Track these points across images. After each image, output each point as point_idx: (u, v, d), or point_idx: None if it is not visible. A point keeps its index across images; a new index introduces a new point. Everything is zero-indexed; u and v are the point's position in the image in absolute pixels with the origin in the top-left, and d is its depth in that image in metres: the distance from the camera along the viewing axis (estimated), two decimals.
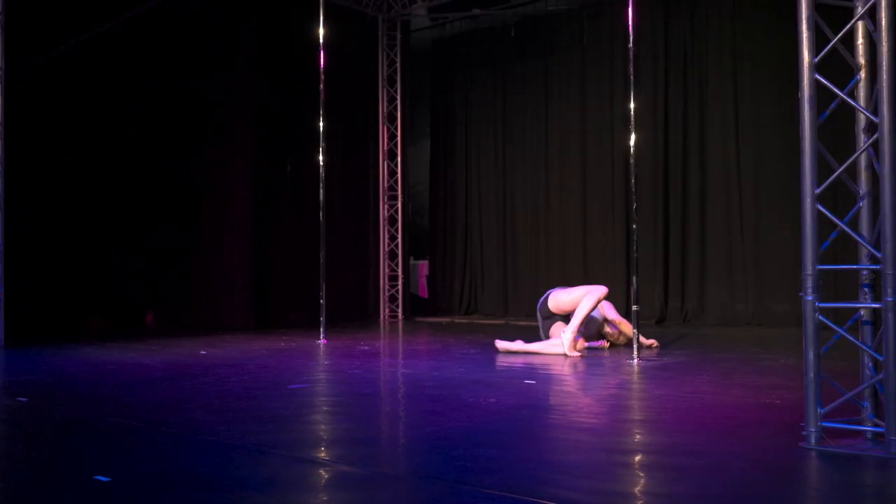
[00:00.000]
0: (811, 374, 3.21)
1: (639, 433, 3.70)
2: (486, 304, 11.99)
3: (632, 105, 6.47)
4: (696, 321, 10.10)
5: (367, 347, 7.70)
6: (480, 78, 12.01)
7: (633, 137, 6.46)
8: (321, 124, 8.31)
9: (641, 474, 3.00)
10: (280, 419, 4.06)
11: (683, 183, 10.27)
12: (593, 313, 7.19)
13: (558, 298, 7.04)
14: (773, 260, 9.56)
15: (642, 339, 6.91)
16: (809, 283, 3.21)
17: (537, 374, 5.64)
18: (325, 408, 4.48)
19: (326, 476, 3.00)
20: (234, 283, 9.93)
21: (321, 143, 8.30)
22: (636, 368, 5.89)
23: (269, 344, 7.87)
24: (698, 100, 10.19)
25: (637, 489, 2.80)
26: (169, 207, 10.00)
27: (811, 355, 3.21)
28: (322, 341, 7.98)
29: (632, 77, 6.45)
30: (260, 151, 10.14)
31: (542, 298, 7.25)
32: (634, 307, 6.39)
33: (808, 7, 3.22)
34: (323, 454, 3.34)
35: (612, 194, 10.81)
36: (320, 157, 8.32)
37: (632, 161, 6.50)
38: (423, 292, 12.93)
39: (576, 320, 6.65)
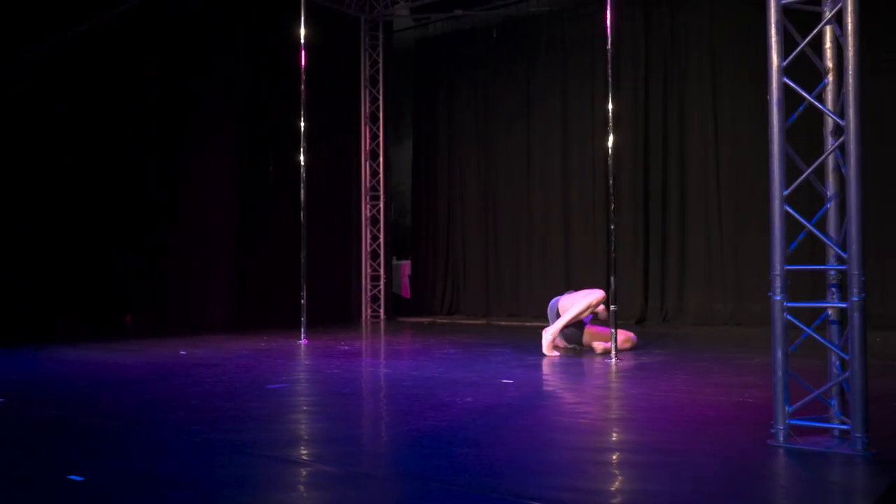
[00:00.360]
0: (779, 373, 3.27)
1: (612, 432, 3.75)
2: (468, 304, 12.03)
3: (610, 106, 6.52)
4: (675, 321, 10.17)
5: (347, 347, 7.72)
6: (463, 78, 12.05)
7: (611, 139, 6.51)
8: (302, 124, 8.31)
9: (614, 472, 3.04)
10: (258, 419, 4.07)
11: (663, 183, 10.34)
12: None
13: (564, 303, 7.03)
14: (751, 260, 9.65)
15: (599, 345, 6.96)
16: (778, 282, 3.27)
17: (515, 374, 5.68)
18: (304, 407, 4.51)
19: (303, 475, 3.03)
20: (216, 282, 9.93)
21: (303, 143, 8.31)
22: (613, 368, 5.94)
23: (249, 344, 7.88)
24: (678, 102, 10.27)
25: (610, 486, 2.84)
26: (150, 207, 9.99)
27: (779, 354, 3.26)
28: (303, 341, 7.99)
29: (609, 79, 6.51)
30: (242, 151, 10.14)
31: (552, 303, 7.20)
32: (613, 307, 6.45)
33: (777, 11, 3.27)
34: (300, 453, 3.37)
35: (594, 195, 10.88)
36: (302, 157, 8.32)
37: (610, 162, 6.56)
38: (406, 292, 12.96)
39: (560, 321, 6.71)
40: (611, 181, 6.53)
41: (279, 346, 7.76)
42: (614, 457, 3.26)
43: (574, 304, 6.80)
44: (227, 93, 10.02)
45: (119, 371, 6.04)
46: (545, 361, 6.38)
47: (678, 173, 10.28)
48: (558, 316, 6.91)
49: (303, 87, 8.31)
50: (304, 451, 3.41)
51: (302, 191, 8.29)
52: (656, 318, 10.28)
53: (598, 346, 6.97)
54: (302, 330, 8.14)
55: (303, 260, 8.29)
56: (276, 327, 9.53)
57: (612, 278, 6.50)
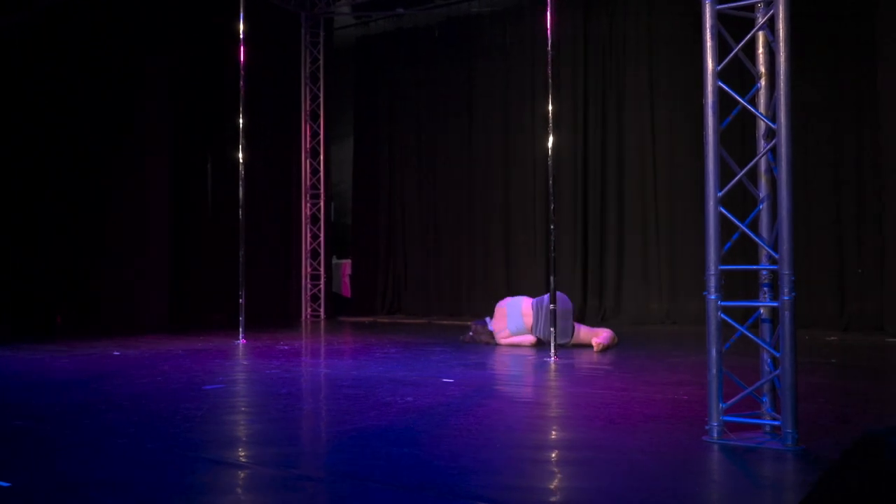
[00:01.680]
0: (713, 371, 3.33)
1: (550, 430, 3.78)
2: (409, 303, 12.00)
3: (550, 107, 6.58)
4: (613, 320, 10.30)
5: (286, 347, 7.63)
6: (404, 77, 12.02)
7: (551, 139, 6.57)
8: (241, 121, 8.20)
9: (552, 470, 3.07)
10: (193, 420, 4.00)
11: (602, 184, 10.47)
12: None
13: (526, 308, 7.63)
14: (687, 259, 9.83)
15: (596, 341, 7.22)
16: (712, 282, 3.34)
17: (455, 374, 5.69)
18: (241, 408, 4.44)
19: (241, 477, 2.98)
20: (152, 282, 9.72)
21: (241, 141, 8.19)
22: (553, 367, 5.99)
23: (185, 344, 7.73)
24: (616, 104, 10.41)
25: (548, 484, 2.87)
26: (83, 205, 9.73)
27: (714, 352, 3.33)
28: (241, 341, 7.87)
29: (550, 80, 6.56)
30: (179, 148, 9.95)
31: (515, 301, 7.71)
32: (552, 306, 6.51)
33: (712, 16, 3.34)
34: (237, 455, 3.32)
35: (535, 195, 10.96)
36: (241, 155, 8.21)
37: (550, 163, 6.61)
38: (346, 292, 12.88)
39: (527, 339, 7.48)
40: (551, 181, 6.59)
41: (216, 346, 7.63)
42: (552, 454, 3.29)
43: (584, 332, 7.42)
44: (164, 89, 9.82)
45: (48, 373, 5.87)
46: (487, 361, 6.42)
47: (616, 174, 10.42)
48: (521, 317, 7.46)
49: (241, 83, 8.19)
50: (242, 453, 3.36)
51: (241, 189, 8.17)
52: (594, 318, 10.40)
53: (596, 343, 7.19)
54: (240, 330, 8.01)
55: (241, 259, 8.17)
56: (213, 327, 9.37)
57: (551, 278, 6.55)
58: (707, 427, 3.36)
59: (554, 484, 2.86)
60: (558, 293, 7.52)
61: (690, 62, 9.82)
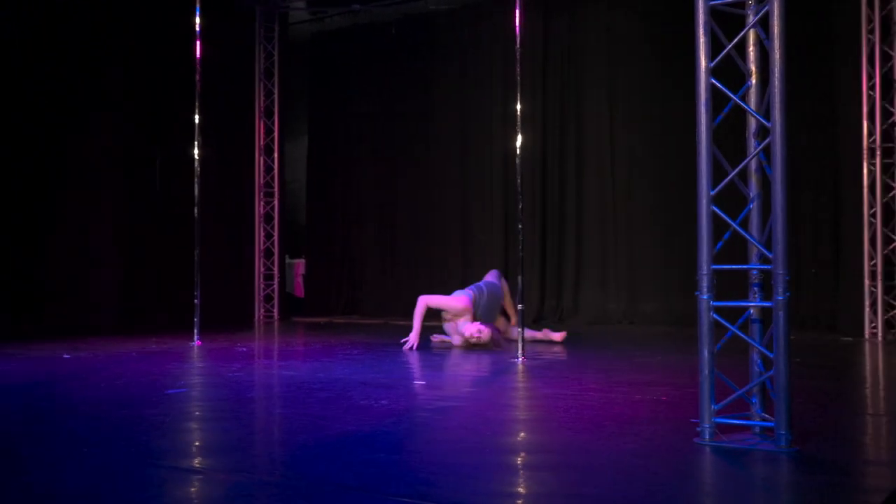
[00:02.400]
0: (706, 372, 3.29)
1: (537, 433, 3.69)
2: (365, 304, 11.84)
3: (518, 106, 6.51)
4: (570, 320, 10.32)
5: (244, 349, 7.43)
6: (361, 75, 11.85)
7: (519, 138, 6.51)
8: (197, 118, 7.96)
9: (549, 475, 2.97)
10: (161, 427, 3.82)
11: (560, 184, 10.46)
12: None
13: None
14: (644, 260, 9.90)
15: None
16: (704, 282, 3.29)
17: (424, 375, 5.59)
18: (209, 414, 4.26)
19: (224, 488, 2.83)
20: (101, 282, 9.38)
21: (197, 138, 7.95)
22: (521, 367, 5.92)
23: (138, 346, 7.45)
24: (575, 104, 10.41)
25: (547, 490, 2.78)
26: (28, 201, 9.32)
27: (706, 353, 3.29)
28: (196, 343, 7.63)
29: (518, 78, 6.50)
30: (129, 144, 9.63)
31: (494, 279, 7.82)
32: (520, 306, 6.45)
33: (705, 13, 3.29)
34: (213, 464, 3.16)
35: (492, 195, 10.91)
36: (195, 152, 7.97)
37: (518, 162, 6.55)
38: (299, 292, 12.66)
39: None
40: (519, 181, 6.53)
41: (171, 348, 7.38)
42: (547, 459, 3.20)
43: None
44: (115, 84, 9.49)
45: None
46: (452, 362, 6.32)
47: (575, 174, 10.42)
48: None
49: (198, 77, 7.95)
50: (218, 462, 3.20)
51: (196, 187, 7.93)
52: (552, 317, 10.39)
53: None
54: (195, 331, 7.76)
55: (196, 258, 7.93)
56: (165, 328, 9.08)
57: (519, 278, 6.49)
58: (698, 429, 3.31)
59: (554, 490, 2.78)
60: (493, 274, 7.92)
61: (649, 66, 9.95)
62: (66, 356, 6.69)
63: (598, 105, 10.25)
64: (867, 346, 7.29)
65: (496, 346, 7.18)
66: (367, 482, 2.79)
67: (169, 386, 5.11)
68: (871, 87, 7.81)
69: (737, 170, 3.30)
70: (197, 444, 3.55)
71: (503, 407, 4.40)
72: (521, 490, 2.78)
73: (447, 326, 7.45)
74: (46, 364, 6.24)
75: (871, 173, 7.81)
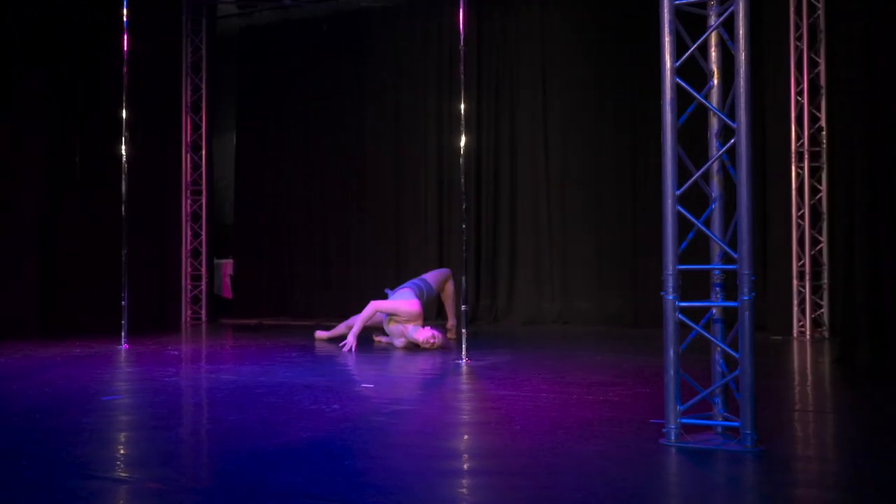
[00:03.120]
0: (671, 372, 3.28)
1: (500, 437, 3.62)
2: (295, 304, 11.62)
3: (462, 106, 6.45)
4: (505, 319, 10.33)
5: (176, 352, 7.16)
6: (291, 71, 11.61)
7: (463, 139, 6.45)
8: (124, 113, 7.64)
9: (527, 481, 2.90)
10: (102, 437, 3.61)
11: (494, 183, 10.45)
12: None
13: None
14: (578, 260, 9.97)
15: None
16: (670, 282, 3.28)
17: (369, 378, 5.48)
18: (153, 422, 4.04)
19: (180, 503, 2.67)
20: (16, 283, 8.91)
21: (124, 133, 7.64)
22: (466, 368, 5.86)
23: (62, 350, 7.09)
24: (509, 103, 10.41)
25: (519, 494, 2.71)
26: None
27: (671, 353, 3.28)
28: (124, 346, 7.30)
29: (462, 76, 6.44)
30: (51, 140, 9.19)
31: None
32: (463, 307, 6.40)
33: (670, 12, 3.29)
34: (167, 475, 2.98)
35: (426, 193, 10.84)
36: (123, 148, 7.65)
37: (462, 161, 6.50)
38: (227, 293, 12.33)
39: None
40: (462, 179, 6.46)
41: (97, 351, 7.05)
42: (521, 464, 3.12)
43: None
44: (35, 73, 9.04)
45: None
46: (396, 364, 6.22)
47: (508, 173, 10.42)
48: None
49: (125, 69, 7.64)
50: (171, 473, 3.02)
51: (123, 184, 7.62)
52: (487, 317, 10.39)
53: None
54: (122, 334, 7.44)
55: (124, 258, 7.62)
56: (85, 331, 8.69)
57: (463, 278, 6.43)
58: (664, 430, 3.30)
59: (529, 494, 2.71)
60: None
61: (583, 64, 10.04)
62: None
63: (531, 104, 10.28)
64: (795, 345, 7.49)
65: (442, 347, 7.11)
66: (343, 493, 2.67)
67: (101, 392, 4.87)
68: (800, 93, 8.04)
69: (702, 170, 3.30)
70: (146, 455, 3.36)
71: (458, 410, 4.33)
72: (493, 495, 2.71)
73: (392, 328, 7.32)
74: None
75: (800, 176, 8.03)
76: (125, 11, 7.68)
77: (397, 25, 11.08)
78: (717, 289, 3.43)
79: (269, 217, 11.77)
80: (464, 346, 6.27)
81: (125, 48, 7.65)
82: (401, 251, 11.01)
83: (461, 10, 6.35)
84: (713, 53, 3.44)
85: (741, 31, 3.17)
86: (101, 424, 3.87)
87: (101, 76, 9.48)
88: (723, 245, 3.29)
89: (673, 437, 3.26)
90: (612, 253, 9.76)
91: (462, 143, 6.45)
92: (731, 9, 3.20)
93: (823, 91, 7.89)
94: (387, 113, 11.07)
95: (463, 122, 6.45)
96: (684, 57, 3.30)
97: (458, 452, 3.29)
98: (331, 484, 2.77)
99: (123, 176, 7.60)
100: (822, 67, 7.96)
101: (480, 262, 10.55)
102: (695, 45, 3.32)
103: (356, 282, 11.21)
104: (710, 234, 3.31)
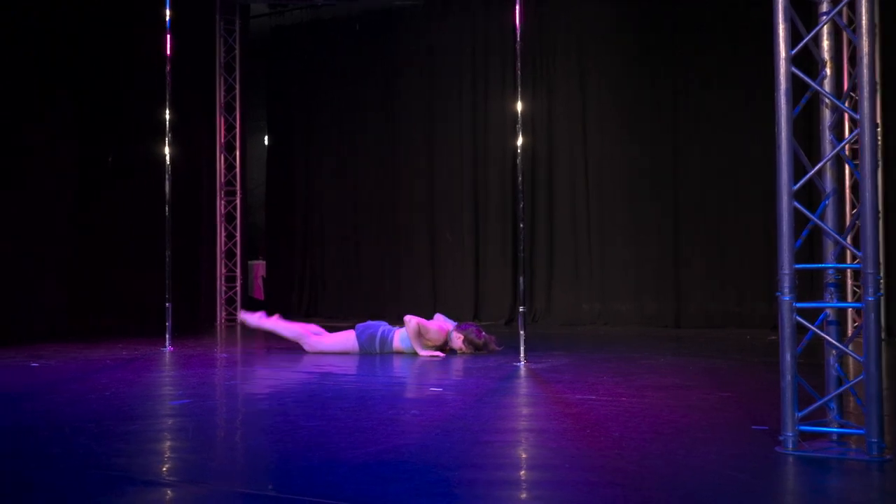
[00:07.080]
0: (788, 377, 3.12)
1: (603, 444, 3.45)
2: (327, 306, 11.51)
3: (519, 105, 6.31)
4: (543, 321, 10.19)
5: (225, 355, 7.04)
6: (323, 70, 11.50)
7: (520, 139, 6.32)
8: (167, 114, 7.53)
9: (648, 491, 2.76)
10: (189, 445, 3.48)
11: (532, 183, 10.30)
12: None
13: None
14: (617, 261, 9.83)
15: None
16: (786, 282, 3.13)
17: (432, 381, 5.33)
18: (235, 428, 3.90)
19: None
20: (49, 284, 8.79)
21: (168, 135, 7.53)
22: (523, 372, 5.70)
23: (107, 353, 6.97)
24: (546, 102, 10.27)
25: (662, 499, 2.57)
26: None
27: (788, 357, 3.12)
28: (168, 349, 7.19)
29: (519, 74, 6.30)
30: (85, 141, 9.10)
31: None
32: (521, 308, 6.27)
33: (784, 0, 3.14)
34: (278, 484, 2.83)
35: (462, 195, 10.71)
36: (166, 149, 7.54)
37: (518, 161, 6.38)
38: (259, 294, 12.22)
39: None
40: (520, 178, 6.33)
41: (143, 354, 6.93)
42: (639, 472, 2.97)
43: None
44: (73, 80, 8.95)
45: None
46: (454, 367, 6.08)
47: (546, 173, 10.28)
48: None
49: (168, 67, 7.52)
50: (272, 484, 2.87)
51: (167, 184, 7.50)
52: (526, 319, 10.21)
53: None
54: (167, 337, 7.32)
55: (168, 261, 7.48)
56: (120, 333, 8.58)
57: (521, 279, 6.31)
58: (781, 437, 3.14)
59: (652, 498, 2.57)
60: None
61: (621, 61, 9.88)
62: (33, 364, 6.21)
63: (569, 104, 10.13)
64: None
65: (490, 350, 6.96)
66: None
67: (165, 397, 4.75)
68: None
69: (820, 164, 3.15)
70: (243, 464, 3.23)
71: (545, 416, 4.09)
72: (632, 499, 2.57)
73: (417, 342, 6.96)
74: (14, 374, 5.77)
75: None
76: (167, 12, 7.56)
77: (430, 23, 10.94)
78: (832, 289, 3.28)
79: (301, 218, 11.66)
80: (521, 348, 6.14)
81: (168, 49, 7.53)
82: (434, 251, 10.88)
83: (517, 7, 6.19)
84: (825, 43, 3.29)
85: (864, 17, 3.02)
86: (182, 431, 3.73)
87: (135, 77, 9.38)
88: (844, 243, 3.14)
89: (790, 446, 3.10)
90: (651, 254, 9.61)
91: (519, 143, 6.31)
92: None
93: None
94: (420, 113, 10.94)
95: (520, 122, 6.30)
96: (799, 46, 3.15)
97: (572, 461, 3.12)
98: (450, 497, 2.62)
99: (167, 177, 7.49)
100: None
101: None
102: (809, 36, 3.17)
103: (390, 282, 11.08)
104: (830, 232, 3.16)
